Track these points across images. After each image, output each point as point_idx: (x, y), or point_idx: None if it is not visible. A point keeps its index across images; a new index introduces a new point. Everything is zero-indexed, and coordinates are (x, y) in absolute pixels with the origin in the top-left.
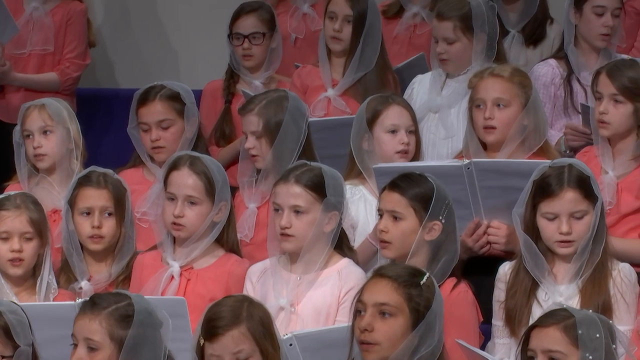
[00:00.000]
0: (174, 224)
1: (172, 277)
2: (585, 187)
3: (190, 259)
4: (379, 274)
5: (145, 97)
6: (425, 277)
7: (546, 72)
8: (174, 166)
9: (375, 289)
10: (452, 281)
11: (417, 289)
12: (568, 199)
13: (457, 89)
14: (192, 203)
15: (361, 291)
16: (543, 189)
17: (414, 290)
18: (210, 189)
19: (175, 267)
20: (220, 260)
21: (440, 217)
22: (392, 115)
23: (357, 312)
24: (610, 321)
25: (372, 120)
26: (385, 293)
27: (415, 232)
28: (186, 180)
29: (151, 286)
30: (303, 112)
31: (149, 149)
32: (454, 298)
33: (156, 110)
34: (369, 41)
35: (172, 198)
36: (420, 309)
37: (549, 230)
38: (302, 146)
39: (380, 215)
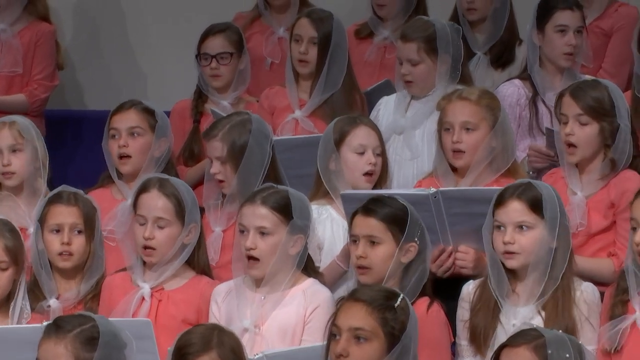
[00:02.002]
0: (145, 247)
1: (143, 298)
2: (535, 202)
3: (160, 280)
4: (354, 297)
5: (121, 106)
6: (399, 300)
7: (512, 92)
8: (143, 188)
9: (350, 313)
10: (425, 301)
11: (391, 313)
12: (513, 208)
13: (421, 110)
14: (162, 225)
15: (335, 315)
16: (497, 200)
17: (388, 314)
18: (180, 210)
19: (145, 288)
20: (191, 281)
21: (416, 239)
22: (360, 136)
23: (332, 336)
24: (580, 342)
25: (339, 141)
26: (360, 317)
27: (393, 256)
28: (156, 203)
29: (122, 308)
30: (267, 134)
31: (116, 157)
32: (428, 318)
33: (129, 118)
34: (335, 61)
35: (142, 222)
36: (395, 332)
37: (497, 241)
38: (267, 169)
39: (354, 241)
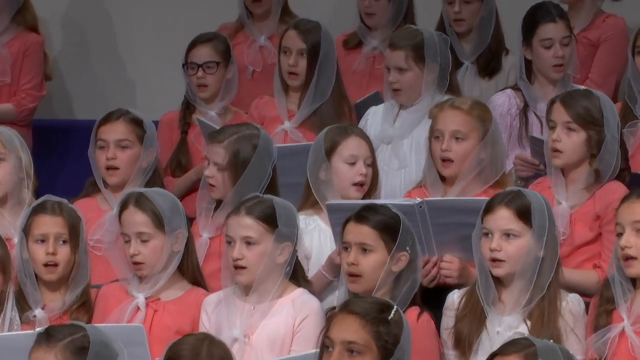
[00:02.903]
0: (134, 263)
1: (138, 308)
2: (523, 210)
3: (155, 289)
4: (347, 309)
5: (109, 117)
6: (393, 312)
7: (503, 102)
8: (123, 206)
9: (343, 326)
10: (415, 310)
11: (385, 326)
12: (500, 215)
13: (409, 120)
14: (145, 239)
15: (328, 326)
16: (486, 207)
17: (382, 327)
18: (159, 222)
19: (140, 298)
20: (187, 292)
21: (407, 248)
22: (351, 146)
23: (325, 348)
24: (571, 352)
25: (330, 151)
26: (353, 331)
27: (384, 264)
28: (134, 218)
29: (116, 317)
30: (271, 153)
31: (103, 168)
32: (418, 328)
33: (117, 130)
34: (323, 71)
35: (127, 239)
36: (388, 346)
37: (484, 248)
38: (265, 187)
39: (346, 248)
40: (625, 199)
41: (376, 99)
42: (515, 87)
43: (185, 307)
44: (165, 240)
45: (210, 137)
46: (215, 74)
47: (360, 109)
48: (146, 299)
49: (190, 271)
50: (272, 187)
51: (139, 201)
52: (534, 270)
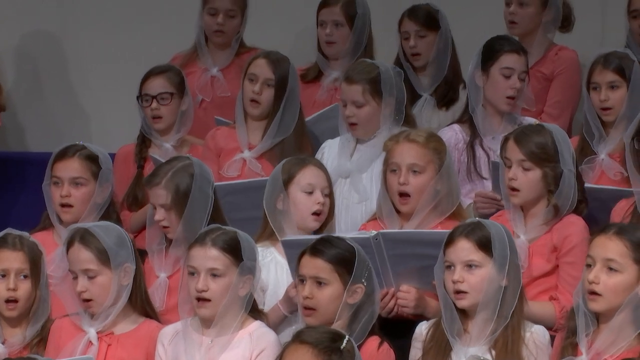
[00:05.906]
0: (83, 299)
1: (91, 342)
2: (483, 241)
3: (106, 323)
4: (299, 340)
5: (64, 153)
6: (345, 342)
7: (450, 137)
8: (69, 243)
9: (296, 356)
10: (375, 340)
11: (337, 355)
12: (461, 247)
13: (367, 154)
14: (91, 276)
15: (281, 357)
16: (447, 239)
17: (334, 356)
18: (104, 257)
19: (92, 332)
20: (141, 325)
21: (363, 280)
22: (309, 175)
23: None
24: None
25: (288, 181)
26: None
27: (340, 297)
28: (78, 256)
29: (68, 351)
30: (209, 178)
31: (57, 205)
32: (379, 357)
33: (72, 167)
34: (289, 106)
35: (74, 276)
36: None
37: (447, 280)
38: (210, 212)
39: (302, 281)
40: (602, 232)
41: (335, 112)
42: (461, 121)
43: (138, 339)
44: (112, 276)
45: (148, 183)
46: (170, 105)
47: (317, 124)
48: (99, 332)
49: (139, 303)
50: (216, 210)
51: (84, 238)
52: (497, 300)
